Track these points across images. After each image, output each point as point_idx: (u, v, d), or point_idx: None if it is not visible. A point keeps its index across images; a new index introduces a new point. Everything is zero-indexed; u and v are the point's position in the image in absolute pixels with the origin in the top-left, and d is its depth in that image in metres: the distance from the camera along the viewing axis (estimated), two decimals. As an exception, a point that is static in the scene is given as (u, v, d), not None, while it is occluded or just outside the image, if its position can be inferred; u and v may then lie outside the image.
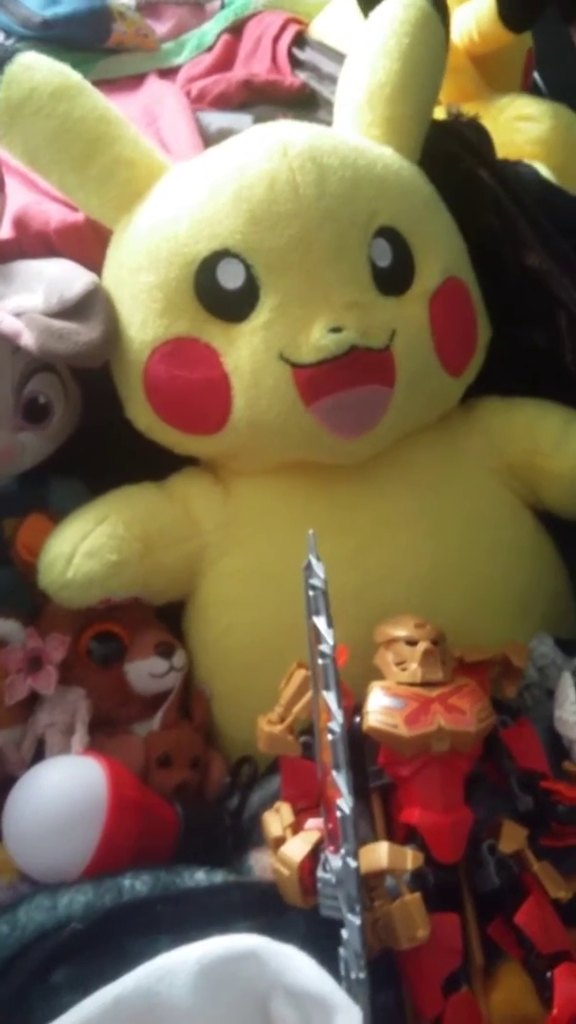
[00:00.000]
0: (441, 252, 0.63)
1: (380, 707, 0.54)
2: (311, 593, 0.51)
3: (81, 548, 0.60)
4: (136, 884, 0.51)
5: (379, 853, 0.50)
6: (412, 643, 0.56)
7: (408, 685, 0.55)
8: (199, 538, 0.63)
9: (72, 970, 0.48)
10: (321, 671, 0.50)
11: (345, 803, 0.47)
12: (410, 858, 0.50)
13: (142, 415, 0.63)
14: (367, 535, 0.61)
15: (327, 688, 0.50)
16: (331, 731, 0.49)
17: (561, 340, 0.68)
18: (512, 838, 0.53)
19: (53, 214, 0.71)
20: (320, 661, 0.50)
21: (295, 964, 0.47)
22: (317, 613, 0.50)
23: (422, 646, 0.55)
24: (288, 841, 0.52)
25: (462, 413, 0.68)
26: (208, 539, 0.63)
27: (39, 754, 0.63)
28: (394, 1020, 0.49)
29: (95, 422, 0.70)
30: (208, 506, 0.64)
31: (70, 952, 0.49)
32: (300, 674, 0.56)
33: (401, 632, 0.57)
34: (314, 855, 0.51)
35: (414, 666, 0.55)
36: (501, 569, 0.64)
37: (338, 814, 0.48)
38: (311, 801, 0.54)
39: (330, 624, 0.50)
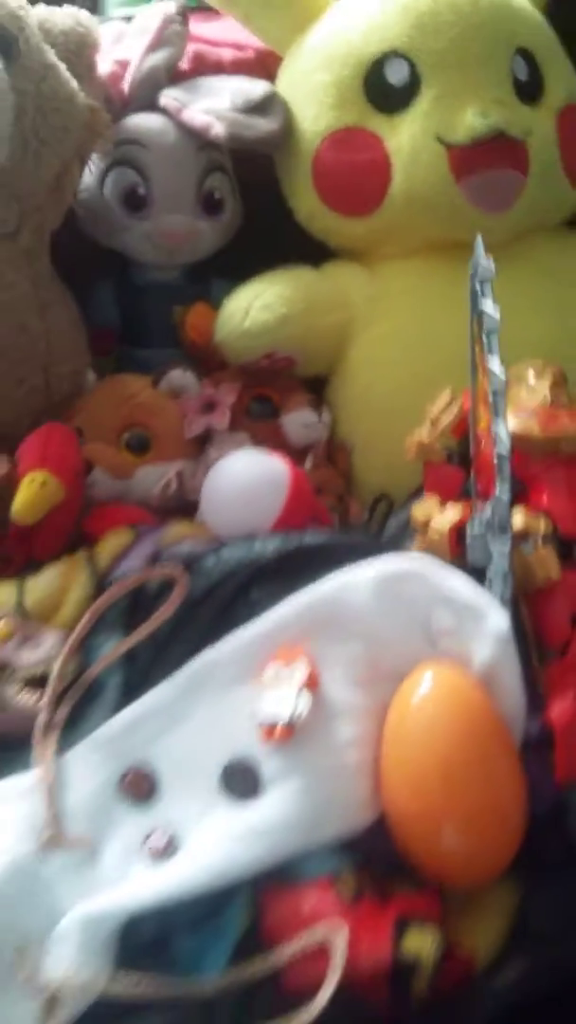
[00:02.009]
0: (564, 81, 0.75)
1: (514, 418, 0.64)
2: (484, 334, 0.61)
3: (256, 303, 0.72)
4: (315, 536, 0.62)
5: (515, 518, 0.60)
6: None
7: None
8: (349, 310, 0.75)
9: (268, 588, 0.59)
10: (489, 397, 0.60)
11: (503, 447, 0.57)
12: (543, 523, 0.60)
13: (305, 203, 0.75)
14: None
15: (496, 415, 0.60)
16: (498, 456, 0.59)
17: None
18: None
19: (225, 53, 0.83)
20: (490, 389, 0.60)
21: (453, 581, 0.57)
22: (491, 351, 0.60)
23: (549, 374, 0.65)
24: (437, 516, 0.62)
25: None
26: (356, 312, 0.75)
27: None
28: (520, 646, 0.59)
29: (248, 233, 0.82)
30: (357, 284, 0.75)
31: (265, 576, 0.59)
32: (446, 394, 0.66)
33: (528, 370, 0.67)
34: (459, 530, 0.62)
35: (544, 393, 0.65)
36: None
37: (495, 460, 0.57)
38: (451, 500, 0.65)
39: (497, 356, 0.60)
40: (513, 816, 0.53)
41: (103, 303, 0.81)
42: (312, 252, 0.79)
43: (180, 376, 0.75)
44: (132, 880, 0.51)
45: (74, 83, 0.68)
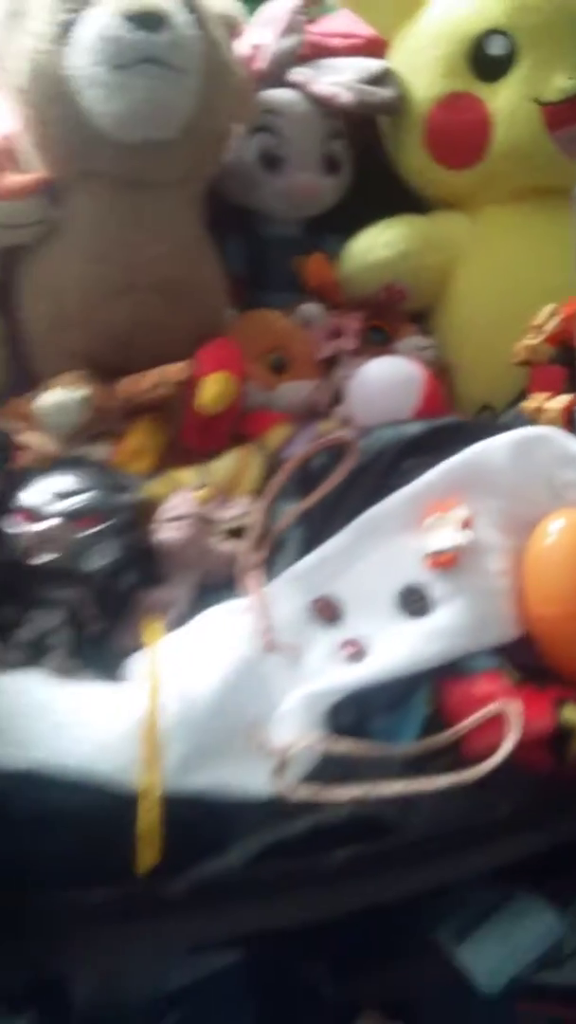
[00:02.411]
0: None
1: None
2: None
3: (379, 240, 0.86)
4: (451, 419, 0.74)
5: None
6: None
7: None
8: (454, 249, 0.88)
9: (417, 460, 0.70)
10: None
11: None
12: None
13: (416, 159, 0.89)
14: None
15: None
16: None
17: None
18: None
19: (336, 41, 0.96)
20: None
21: (572, 443, 0.70)
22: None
23: None
24: (548, 403, 0.75)
25: None
26: (460, 251, 0.88)
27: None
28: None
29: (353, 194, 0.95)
30: (460, 227, 0.89)
31: (413, 450, 0.71)
32: (549, 307, 0.79)
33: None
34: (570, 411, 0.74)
35: None
36: None
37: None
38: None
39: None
40: None
41: (232, 255, 0.93)
42: (407, 210, 0.93)
43: (310, 309, 0.88)
44: (336, 673, 0.63)
45: (235, 58, 0.81)
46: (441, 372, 0.88)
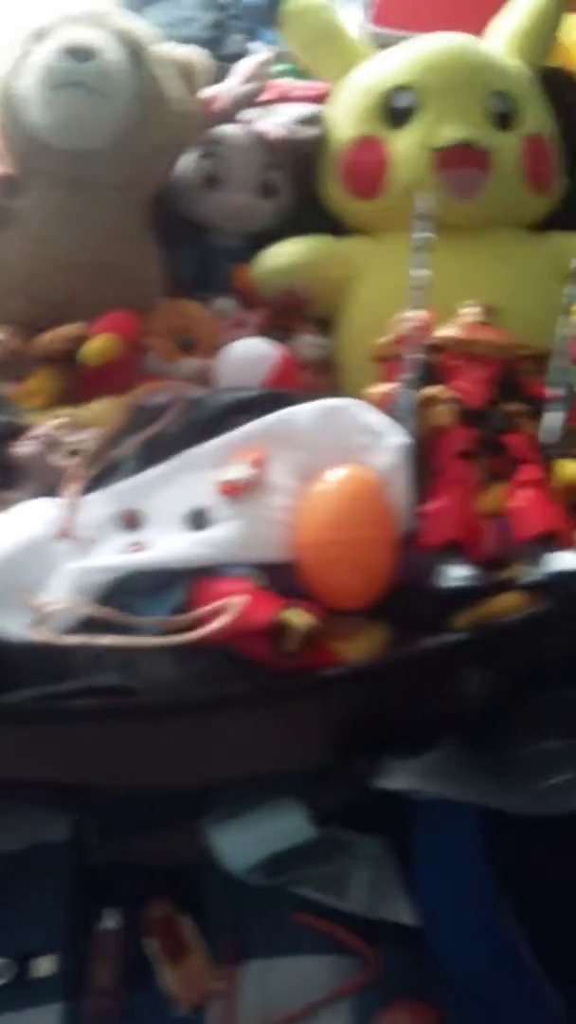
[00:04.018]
0: (535, 120, 1.02)
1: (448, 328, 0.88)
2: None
3: (284, 250, 1.01)
4: (283, 390, 0.86)
5: (428, 389, 0.83)
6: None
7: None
8: (351, 267, 1.01)
9: (247, 417, 0.81)
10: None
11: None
12: (446, 392, 0.82)
13: (333, 190, 1.03)
14: (456, 272, 0.94)
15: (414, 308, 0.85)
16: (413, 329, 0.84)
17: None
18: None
19: (296, 92, 1.13)
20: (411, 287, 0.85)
21: (371, 414, 0.80)
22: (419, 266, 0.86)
23: (484, 307, 0.88)
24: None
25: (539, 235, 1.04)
26: (357, 270, 1.01)
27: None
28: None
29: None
30: (361, 249, 1.02)
31: (245, 409, 0.83)
32: (400, 315, 0.89)
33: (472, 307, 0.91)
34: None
35: (474, 316, 0.88)
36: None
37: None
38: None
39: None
40: (381, 564, 0.74)
41: (185, 260, 1.09)
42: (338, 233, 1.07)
43: (223, 303, 1.02)
44: (113, 558, 0.75)
45: (180, 92, 0.98)
46: (327, 368, 1.01)
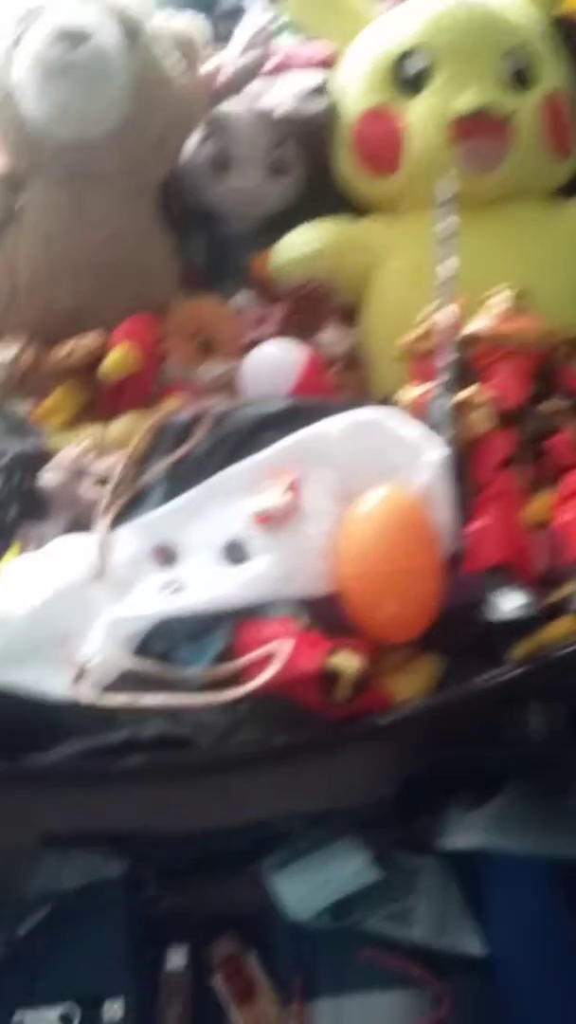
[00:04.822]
0: (552, 75, 0.95)
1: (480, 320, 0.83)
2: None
3: (300, 239, 0.96)
4: (314, 400, 0.82)
5: (463, 392, 0.78)
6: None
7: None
8: (371, 252, 0.96)
9: (275, 433, 0.78)
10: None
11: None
12: (483, 395, 0.78)
13: (346, 167, 0.97)
14: (481, 251, 0.87)
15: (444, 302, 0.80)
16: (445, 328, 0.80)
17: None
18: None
19: (300, 58, 1.05)
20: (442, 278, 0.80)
21: (407, 427, 0.76)
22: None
23: (516, 294, 0.84)
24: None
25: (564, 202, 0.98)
26: (377, 254, 0.96)
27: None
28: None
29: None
30: (379, 232, 0.97)
31: (274, 424, 0.79)
32: (430, 307, 0.85)
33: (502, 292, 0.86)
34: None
35: (507, 305, 0.84)
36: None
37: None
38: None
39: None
40: (428, 593, 0.71)
41: (196, 248, 1.04)
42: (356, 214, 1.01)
43: (242, 298, 0.97)
44: (149, 603, 0.72)
45: (179, 71, 0.92)
46: (354, 363, 0.96)
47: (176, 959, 0.77)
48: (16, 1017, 0.78)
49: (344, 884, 0.78)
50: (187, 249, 1.03)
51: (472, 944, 0.72)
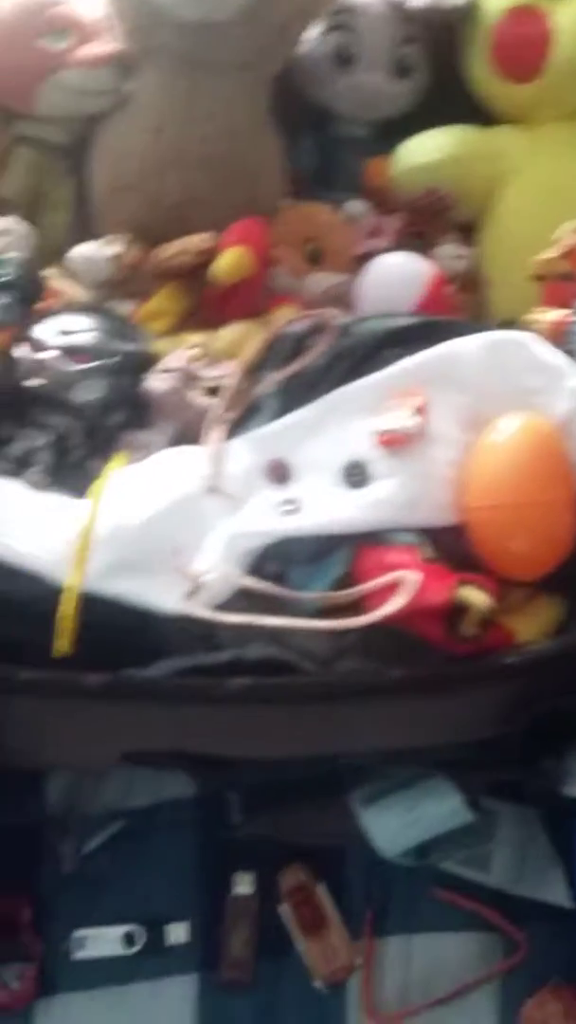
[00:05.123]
0: None
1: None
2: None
3: (426, 145, 0.90)
4: (441, 317, 0.77)
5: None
6: None
7: None
8: (502, 163, 0.90)
9: (398, 350, 0.73)
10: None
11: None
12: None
13: (482, 71, 0.90)
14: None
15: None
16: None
17: None
18: None
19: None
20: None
21: (546, 350, 0.71)
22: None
23: None
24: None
25: None
26: (508, 165, 0.90)
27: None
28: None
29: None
30: (512, 142, 0.91)
31: (397, 340, 0.74)
32: (570, 223, 0.79)
33: None
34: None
35: None
36: None
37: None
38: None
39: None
40: (562, 529, 0.67)
41: (304, 151, 0.98)
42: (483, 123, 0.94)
43: (355, 206, 0.92)
44: (266, 521, 0.69)
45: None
46: (473, 284, 0.91)
47: (243, 885, 0.75)
48: (78, 934, 0.78)
49: (436, 824, 0.76)
50: (295, 152, 0.97)
51: (555, 893, 0.69)
